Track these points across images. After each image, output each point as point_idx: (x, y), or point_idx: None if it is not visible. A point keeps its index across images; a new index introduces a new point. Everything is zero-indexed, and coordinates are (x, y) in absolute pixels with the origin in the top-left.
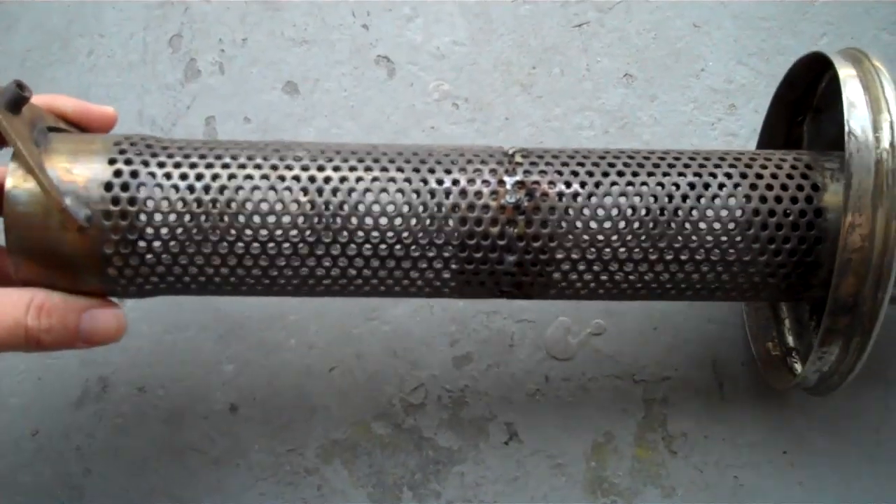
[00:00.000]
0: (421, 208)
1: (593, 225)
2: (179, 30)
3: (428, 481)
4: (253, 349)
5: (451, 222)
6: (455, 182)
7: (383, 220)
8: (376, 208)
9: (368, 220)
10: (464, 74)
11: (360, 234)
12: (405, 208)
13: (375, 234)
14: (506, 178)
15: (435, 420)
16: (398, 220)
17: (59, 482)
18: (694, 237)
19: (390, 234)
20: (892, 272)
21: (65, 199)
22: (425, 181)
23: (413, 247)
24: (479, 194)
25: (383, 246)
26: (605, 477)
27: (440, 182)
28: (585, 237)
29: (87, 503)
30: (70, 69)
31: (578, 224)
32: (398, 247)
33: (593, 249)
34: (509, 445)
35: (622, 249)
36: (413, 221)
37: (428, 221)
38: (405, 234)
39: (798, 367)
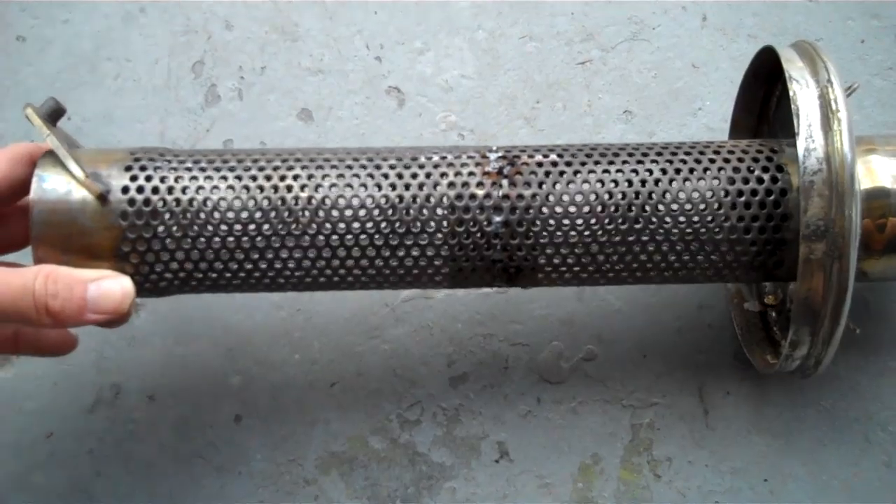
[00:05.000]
0: (411, 199)
1: (572, 209)
2: (202, 57)
3: (420, 495)
4: (259, 363)
5: (440, 210)
6: (443, 175)
7: (377, 213)
8: (370, 227)
9: (364, 238)
10: (470, 107)
11: (357, 248)
12: (397, 201)
13: (370, 249)
14: (491, 191)
15: (429, 436)
16: (391, 212)
17: (70, 484)
18: (668, 218)
19: (384, 224)
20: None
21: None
22: (415, 175)
23: (407, 236)
24: (465, 185)
25: (378, 236)
26: (591, 498)
27: (429, 175)
28: (566, 221)
29: None
30: (97, 91)
31: (559, 209)
32: (392, 237)
33: (574, 233)
34: (500, 464)
35: (601, 232)
36: (405, 213)
37: (419, 211)
38: (398, 225)
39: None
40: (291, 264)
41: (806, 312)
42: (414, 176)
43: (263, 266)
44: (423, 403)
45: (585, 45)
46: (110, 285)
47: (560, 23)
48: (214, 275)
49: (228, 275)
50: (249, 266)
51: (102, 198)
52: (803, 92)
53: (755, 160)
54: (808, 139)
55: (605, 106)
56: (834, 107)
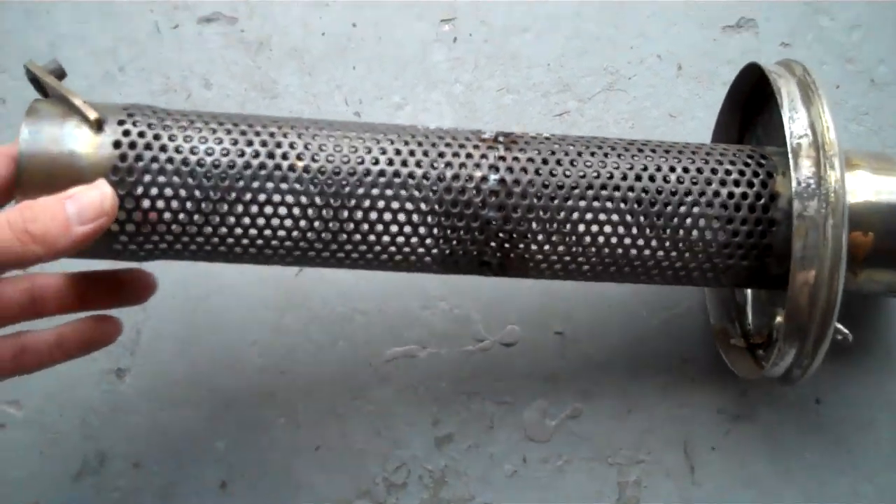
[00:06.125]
0: (409, 153)
1: (568, 175)
2: None
3: None
4: (243, 427)
5: (436, 166)
6: (440, 137)
7: (375, 190)
8: (368, 178)
9: (360, 189)
10: None
11: (352, 200)
12: (394, 177)
13: (366, 200)
14: (487, 153)
15: (416, 499)
16: (388, 190)
17: None
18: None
19: (380, 201)
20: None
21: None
22: (413, 135)
23: (402, 188)
24: (462, 146)
25: (373, 212)
26: None
27: (426, 136)
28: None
29: None
30: None
31: (554, 175)
32: (388, 189)
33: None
34: None
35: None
36: (402, 192)
37: (416, 165)
38: (395, 176)
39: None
40: (283, 210)
41: (803, 270)
42: (412, 135)
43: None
44: (409, 465)
45: (562, 97)
46: (88, 192)
47: (536, 74)
48: (202, 219)
49: (217, 219)
50: (240, 209)
51: (98, 123)
52: (782, 79)
53: (740, 150)
54: (792, 110)
55: None
56: (813, 87)
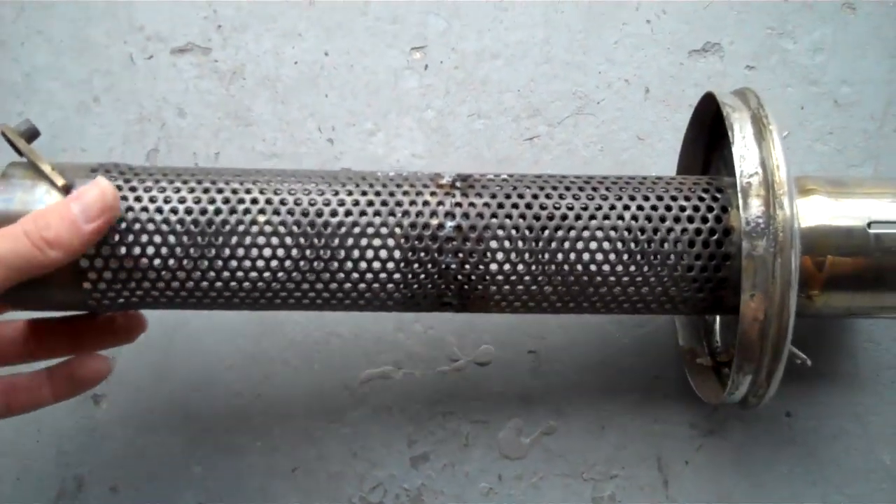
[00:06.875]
0: (367, 204)
1: (522, 219)
2: (156, 144)
3: None
4: (220, 451)
5: (394, 216)
6: (398, 185)
7: (335, 241)
8: (327, 230)
9: (319, 241)
10: None
11: (318, 251)
12: (353, 228)
13: (327, 252)
14: (444, 199)
15: None
16: (348, 240)
17: None
18: (613, 231)
19: (341, 251)
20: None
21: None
22: (371, 185)
23: (361, 238)
24: (419, 193)
25: (334, 262)
26: None
27: (384, 185)
28: (516, 229)
29: None
30: None
31: (509, 218)
32: (347, 262)
33: (523, 243)
34: None
35: (550, 240)
36: (362, 242)
37: (374, 215)
38: (354, 227)
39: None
40: (247, 264)
41: (752, 308)
42: (370, 185)
43: (219, 265)
44: (385, 485)
45: (532, 121)
46: (88, 192)
47: (507, 99)
48: (169, 274)
49: (183, 274)
50: (206, 265)
51: (67, 189)
52: (736, 114)
53: (696, 183)
54: (743, 147)
55: None
56: (766, 122)
